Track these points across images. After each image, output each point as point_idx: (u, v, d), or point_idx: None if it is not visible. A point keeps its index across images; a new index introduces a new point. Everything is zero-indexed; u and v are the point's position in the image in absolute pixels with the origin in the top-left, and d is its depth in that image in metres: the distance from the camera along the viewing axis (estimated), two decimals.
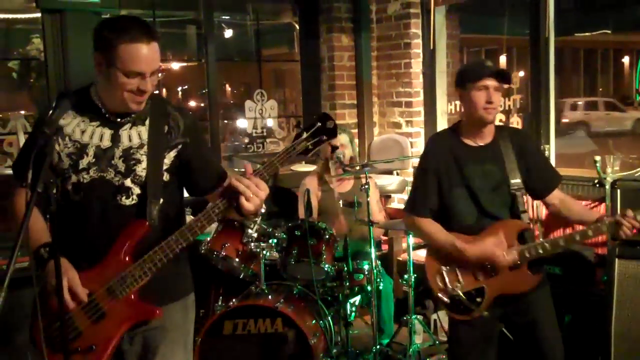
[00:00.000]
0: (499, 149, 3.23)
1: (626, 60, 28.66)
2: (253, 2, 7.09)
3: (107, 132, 2.46)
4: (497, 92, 3.16)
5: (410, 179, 6.15)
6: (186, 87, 27.27)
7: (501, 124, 5.59)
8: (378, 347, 4.29)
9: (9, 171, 4.59)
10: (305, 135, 2.36)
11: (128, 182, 2.44)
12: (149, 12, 6.22)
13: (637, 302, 3.37)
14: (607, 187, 4.23)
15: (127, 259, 2.38)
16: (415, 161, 6.15)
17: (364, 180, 4.32)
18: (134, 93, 2.36)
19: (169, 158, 2.51)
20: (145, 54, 2.32)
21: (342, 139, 4.79)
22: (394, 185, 6.09)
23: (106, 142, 2.45)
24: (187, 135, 2.54)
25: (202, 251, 4.24)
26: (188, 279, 2.69)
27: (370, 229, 4.28)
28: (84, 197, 2.42)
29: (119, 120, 2.47)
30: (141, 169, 2.45)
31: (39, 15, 5.09)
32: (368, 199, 4.33)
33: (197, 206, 3.67)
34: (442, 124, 6.44)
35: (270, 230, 4.30)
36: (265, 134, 6.69)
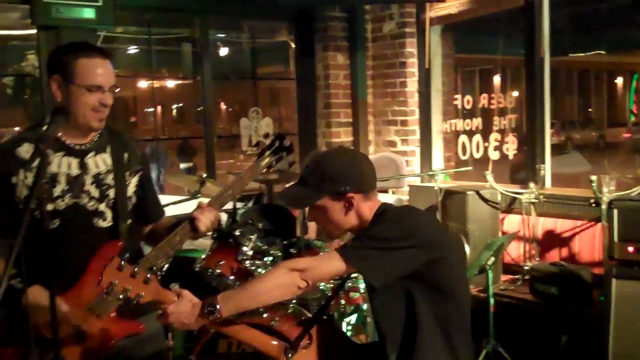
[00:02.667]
0: None
1: (619, 81, 28.87)
2: (249, 20, 7.10)
3: (74, 161, 2.50)
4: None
5: (406, 197, 6.15)
6: (181, 104, 27.41)
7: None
8: None
9: None
10: (267, 153, 2.66)
11: (102, 207, 2.53)
12: (145, 29, 6.24)
13: (635, 322, 3.34)
14: (604, 206, 4.23)
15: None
16: (411, 180, 6.20)
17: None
18: (96, 109, 2.41)
19: (132, 183, 2.64)
20: (102, 68, 2.41)
21: None
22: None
23: (75, 170, 2.50)
24: (143, 163, 2.70)
25: (197, 269, 4.19)
26: None
27: None
28: (61, 224, 2.45)
29: (82, 149, 2.52)
30: (113, 193, 2.55)
31: (34, 31, 5.08)
32: None
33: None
34: (437, 143, 6.44)
35: (266, 247, 4.26)
36: (260, 151, 6.67)
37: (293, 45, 6.97)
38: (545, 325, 4.45)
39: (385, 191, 6.28)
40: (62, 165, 2.48)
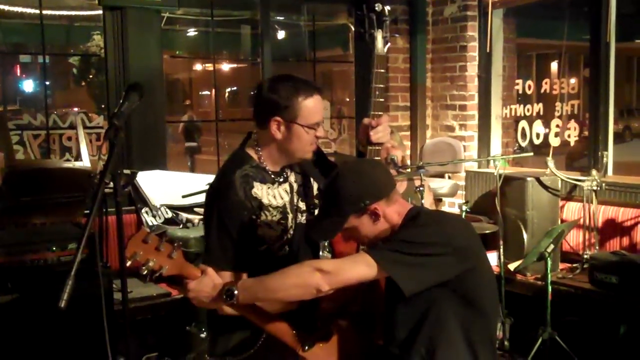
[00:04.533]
0: None
1: None
2: (309, 2, 7.10)
3: (282, 188, 2.57)
4: None
5: (463, 182, 6.11)
6: (235, 88, 27.56)
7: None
8: None
9: (68, 164, 4.73)
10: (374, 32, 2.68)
11: (308, 217, 2.62)
12: (207, 10, 6.30)
13: None
14: None
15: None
16: (469, 165, 6.15)
17: (417, 183, 4.29)
18: (313, 143, 2.51)
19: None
20: (320, 104, 2.47)
21: (395, 140, 4.77)
22: (445, 189, 6.04)
23: (285, 197, 2.56)
24: None
25: None
26: None
27: None
28: (291, 250, 2.55)
29: (279, 179, 2.58)
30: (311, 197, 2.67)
31: (100, 12, 5.20)
32: (422, 201, 4.29)
33: None
34: (496, 128, 6.37)
35: None
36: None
37: (353, 28, 6.96)
38: (604, 314, 4.39)
39: (442, 176, 6.25)
40: (283, 195, 2.56)
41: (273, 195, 2.54)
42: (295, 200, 2.60)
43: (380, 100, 2.62)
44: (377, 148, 2.62)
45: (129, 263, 2.18)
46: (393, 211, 2.29)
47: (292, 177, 2.62)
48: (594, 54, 5.33)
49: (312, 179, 2.72)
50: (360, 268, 2.15)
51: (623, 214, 4.91)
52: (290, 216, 2.57)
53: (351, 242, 2.60)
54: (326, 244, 3.94)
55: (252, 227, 2.47)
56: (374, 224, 2.28)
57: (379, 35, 2.67)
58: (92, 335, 2.67)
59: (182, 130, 14.22)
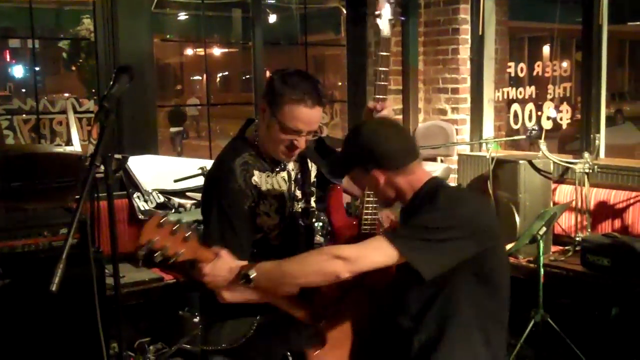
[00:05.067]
0: None
1: None
2: None
3: (280, 177, 2.56)
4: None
5: (455, 166, 6.11)
6: (226, 73, 27.48)
7: None
8: None
9: (59, 149, 4.70)
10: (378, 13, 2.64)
11: (304, 205, 2.65)
12: None
13: None
14: None
15: (351, 219, 2.65)
16: (461, 148, 6.15)
17: None
18: (287, 147, 2.42)
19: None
20: (307, 115, 2.37)
21: None
22: (438, 172, 6.03)
23: (283, 186, 2.56)
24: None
25: None
26: None
27: None
28: (282, 240, 2.55)
29: (277, 168, 2.57)
30: (308, 187, 2.69)
31: None
32: None
33: None
34: (488, 112, 6.37)
35: (316, 214, 4.30)
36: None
37: (344, 11, 6.92)
38: (596, 297, 4.41)
39: (434, 159, 6.25)
40: (281, 184, 2.55)
41: (272, 184, 2.53)
42: (292, 189, 2.60)
43: (384, 83, 2.60)
44: None
45: (143, 251, 2.14)
46: (404, 181, 2.27)
47: (290, 165, 2.61)
48: (586, 37, 5.32)
49: (310, 165, 2.71)
50: (380, 255, 2.13)
51: (615, 197, 4.92)
52: (287, 204, 2.56)
53: (351, 228, 2.61)
54: (320, 227, 3.95)
55: (252, 215, 2.45)
56: (378, 187, 2.28)
57: (384, 18, 2.64)
58: (85, 320, 2.67)
59: (167, 115, 14.17)
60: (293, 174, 2.62)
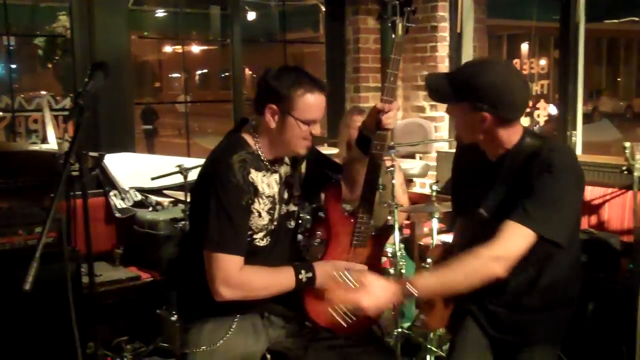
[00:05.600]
0: None
1: None
2: None
3: (273, 178, 2.58)
4: None
5: (434, 163, 6.12)
6: (205, 70, 27.37)
7: None
8: (400, 330, 4.28)
9: (35, 147, 4.65)
10: (395, 19, 2.73)
11: (291, 207, 2.68)
12: None
13: None
14: (636, 173, 4.18)
15: (348, 217, 2.68)
16: (440, 146, 6.16)
17: (389, 163, 4.29)
18: (306, 138, 2.49)
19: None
20: (320, 102, 2.47)
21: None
22: (416, 170, 6.06)
23: (275, 187, 2.57)
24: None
25: None
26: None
27: (395, 212, 4.26)
28: (271, 242, 2.57)
29: (273, 168, 2.59)
30: (297, 190, 2.72)
31: None
32: (393, 182, 4.30)
33: None
34: None
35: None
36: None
37: (323, 9, 6.92)
38: None
39: (412, 157, 6.27)
40: (273, 185, 2.56)
41: (267, 184, 2.53)
42: (282, 191, 2.60)
43: (394, 86, 2.67)
44: (385, 133, 2.64)
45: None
46: (505, 133, 2.34)
47: (282, 169, 2.62)
48: (564, 34, 5.35)
49: (300, 168, 2.73)
50: (522, 241, 2.22)
51: (592, 193, 4.95)
52: (277, 207, 2.57)
53: (347, 224, 2.66)
54: (309, 232, 3.92)
55: (248, 212, 2.46)
56: (477, 128, 2.33)
57: (399, 23, 2.72)
58: (61, 320, 2.64)
59: (140, 113, 14.17)
60: (284, 177, 2.62)
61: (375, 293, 2.18)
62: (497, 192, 2.39)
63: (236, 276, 2.38)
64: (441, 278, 2.27)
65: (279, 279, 2.48)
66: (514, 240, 2.22)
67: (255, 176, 2.48)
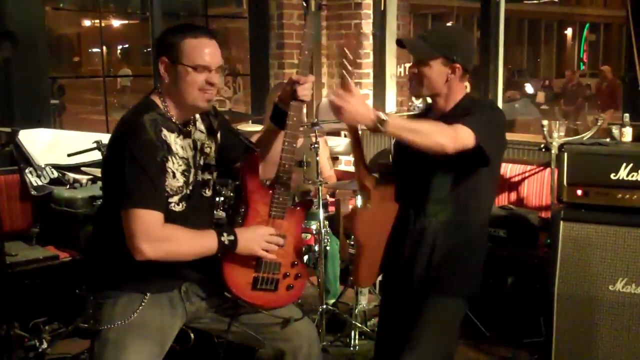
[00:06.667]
0: None
1: (569, 32, 29.20)
2: None
3: (187, 142, 2.53)
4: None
5: None
6: (127, 45, 26.72)
7: None
8: (325, 307, 4.30)
9: None
10: None
11: (207, 175, 2.63)
12: None
13: (580, 263, 3.41)
14: (554, 151, 4.29)
15: (266, 188, 2.65)
16: None
17: (314, 139, 4.27)
18: (204, 90, 2.43)
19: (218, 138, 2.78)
20: (209, 48, 2.43)
21: None
22: (341, 147, 6.06)
23: (190, 152, 2.53)
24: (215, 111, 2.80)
25: None
26: None
27: (319, 189, 4.25)
28: (187, 207, 2.51)
29: (188, 129, 2.56)
30: (212, 159, 2.68)
31: None
32: (317, 158, 4.29)
33: None
34: (391, 87, 6.42)
35: (219, 187, 4.23)
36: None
37: None
38: (492, 267, 4.51)
39: (337, 134, 6.27)
40: (187, 148, 2.51)
41: (181, 146, 2.48)
42: (197, 157, 2.56)
43: (308, 60, 2.67)
44: (300, 105, 2.62)
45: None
46: (459, 87, 2.67)
47: (196, 135, 2.58)
48: (485, 13, 5.44)
49: (217, 138, 2.68)
50: (467, 137, 2.41)
51: (511, 170, 5.07)
52: (192, 171, 2.51)
53: (264, 195, 2.65)
54: (220, 202, 3.88)
55: (163, 169, 2.39)
56: (444, 81, 2.62)
57: None
58: None
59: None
60: (199, 144, 2.58)
61: (358, 100, 2.32)
62: None
63: (158, 231, 2.31)
64: (410, 122, 2.55)
65: (201, 238, 2.42)
66: (462, 132, 2.42)
67: (169, 136, 2.43)
